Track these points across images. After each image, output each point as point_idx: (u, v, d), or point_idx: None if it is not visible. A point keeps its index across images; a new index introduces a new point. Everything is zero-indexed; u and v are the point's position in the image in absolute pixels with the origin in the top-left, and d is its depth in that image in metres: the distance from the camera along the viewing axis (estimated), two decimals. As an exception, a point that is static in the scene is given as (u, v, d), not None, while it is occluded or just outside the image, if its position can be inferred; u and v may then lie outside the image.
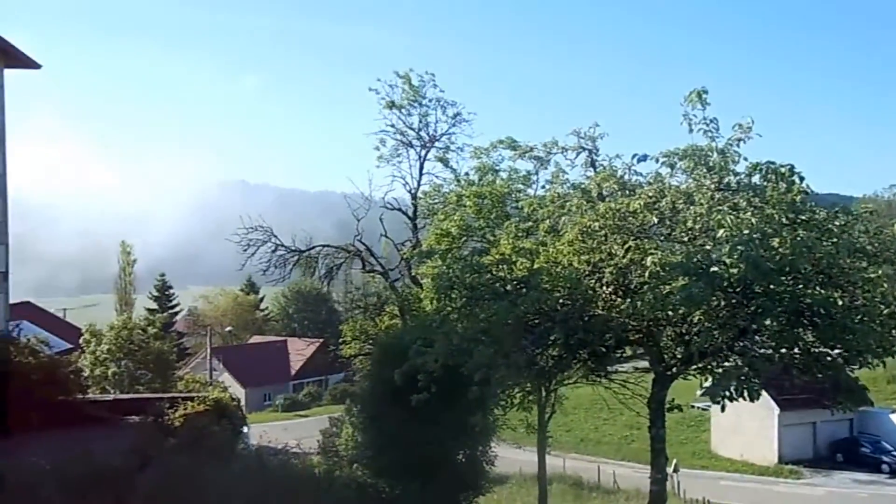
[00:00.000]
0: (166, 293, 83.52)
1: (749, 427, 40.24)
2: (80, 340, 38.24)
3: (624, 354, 13.93)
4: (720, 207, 10.46)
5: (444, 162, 29.28)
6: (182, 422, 14.46)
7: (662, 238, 11.94)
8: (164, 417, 14.59)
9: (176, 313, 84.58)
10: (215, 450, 13.82)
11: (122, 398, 19.96)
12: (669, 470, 20.46)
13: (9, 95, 14.63)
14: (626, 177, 12.60)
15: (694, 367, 12.64)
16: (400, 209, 29.95)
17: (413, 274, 27.71)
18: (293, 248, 28.65)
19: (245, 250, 28.01)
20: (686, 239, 11.46)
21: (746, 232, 9.86)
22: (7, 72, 14.65)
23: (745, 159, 11.02)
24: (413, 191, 29.46)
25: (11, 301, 15.58)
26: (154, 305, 79.05)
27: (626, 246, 11.83)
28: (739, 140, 10.77)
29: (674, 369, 12.59)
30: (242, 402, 27.39)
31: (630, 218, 11.81)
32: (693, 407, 40.32)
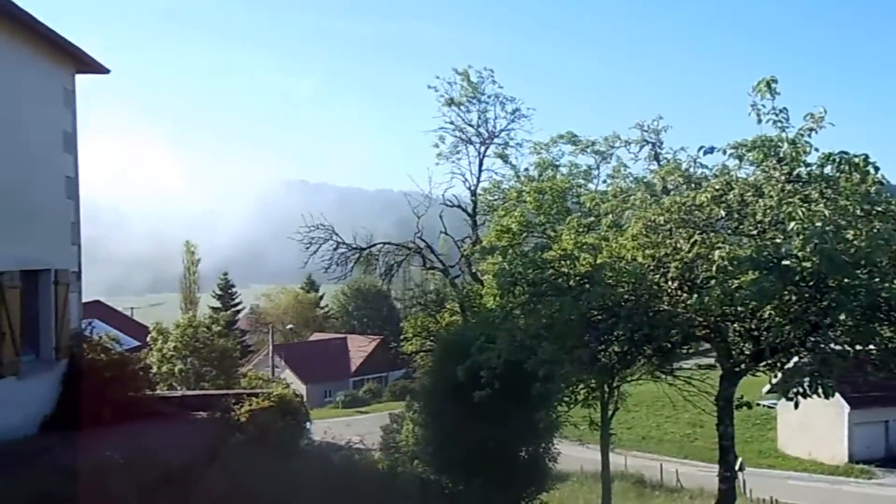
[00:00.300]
0: (229, 292, 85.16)
1: (818, 425, 39.21)
2: (148, 338, 39.21)
3: (690, 350, 13.68)
4: (791, 199, 10.18)
5: (504, 158, 29.26)
6: (247, 418, 14.60)
7: (730, 232, 11.67)
8: (230, 413, 14.76)
9: (238, 311, 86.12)
10: (280, 445, 13.99)
11: (190, 394, 20.29)
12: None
13: (79, 98, 15.03)
14: (692, 170, 12.36)
15: (763, 363, 12.35)
16: (459, 206, 29.99)
17: (473, 270, 27.74)
18: (354, 245, 28.92)
19: (307, 248, 28.38)
20: (755, 232, 11.18)
21: (819, 224, 9.58)
22: (77, 76, 15.04)
23: (817, 150, 10.71)
24: (472, 187, 29.51)
25: (83, 300, 15.97)
26: (217, 304, 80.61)
27: (692, 240, 11.61)
28: (811, 130, 10.45)
29: (742, 365, 12.30)
30: (304, 399, 27.66)
31: (696, 211, 11.58)
32: (759, 405, 39.46)
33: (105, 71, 15.38)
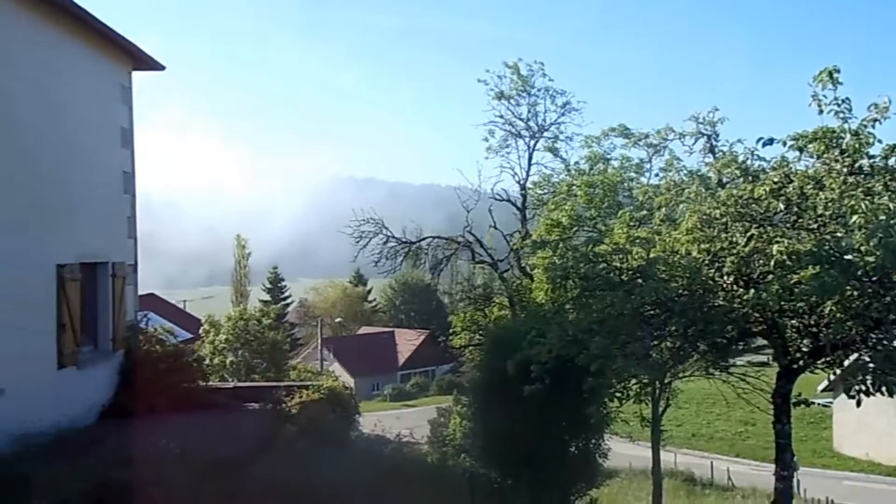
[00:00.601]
0: (278, 285, 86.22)
1: (876, 424, 38.10)
2: (200, 330, 39.88)
3: (745, 347, 13.42)
4: (853, 192, 9.89)
5: (554, 152, 29.05)
6: (298, 409, 14.75)
7: (788, 226, 11.40)
8: (281, 405, 14.92)
9: (288, 305, 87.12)
10: (331, 437, 14.11)
11: (242, 386, 20.61)
12: (791, 468, 19.61)
13: (134, 94, 15.29)
14: (749, 162, 12.09)
15: (822, 360, 12.06)
16: (509, 200, 29.87)
17: (522, 265, 27.63)
18: (403, 239, 29.00)
19: (357, 242, 28.55)
20: (815, 226, 10.90)
21: (883, 218, 9.29)
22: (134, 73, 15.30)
23: (880, 141, 10.39)
24: (522, 181, 29.36)
25: (139, 293, 16.27)
26: (267, 297, 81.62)
27: (749, 234, 11.37)
28: (875, 121, 10.13)
29: (800, 362, 12.03)
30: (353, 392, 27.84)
31: (753, 205, 11.32)
32: (814, 403, 38.60)
33: (160, 68, 15.64)
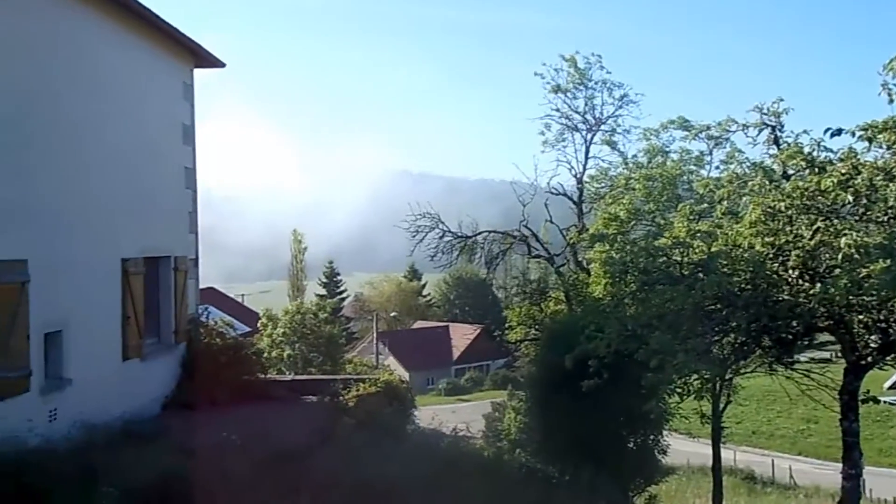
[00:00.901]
0: (334, 280, 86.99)
1: (945, 423, 37.10)
2: (258, 324, 40.46)
3: (811, 342, 13.11)
4: (926, 183, 9.60)
5: (612, 145, 28.66)
6: (355, 402, 14.83)
7: (856, 218, 11.09)
8: (338, 398, 15.02)
9: (343, 299, 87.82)
10: (388, 430, 14.15)
11: (300, 379, 20.80)
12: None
13: (196, 88, 15.56)
14: (815, 153, 11.77)
15: (892, 356, 11.71)
16: (565, 194, 29.61)
17: (579, 259, 27.40)
18: (459, 234, 28.97)
19: (413, 237, 28.62)
20: (884, 218, 10.59)
21: (958, 210, 9.00)
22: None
23: (956, 131, 10.04)
24: (578, 175, 29.06)
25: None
26: (323, 291, 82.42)
27: (815, 227, 11.10)
28: (951, 110, 9.81)
29: (868, 358, 11.69)
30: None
31: (820, 197, 11.03)
32: (882, 401, 37.59)
33: (221, 65, 15.90)
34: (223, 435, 10.84)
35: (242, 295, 66.20)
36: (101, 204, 11.77)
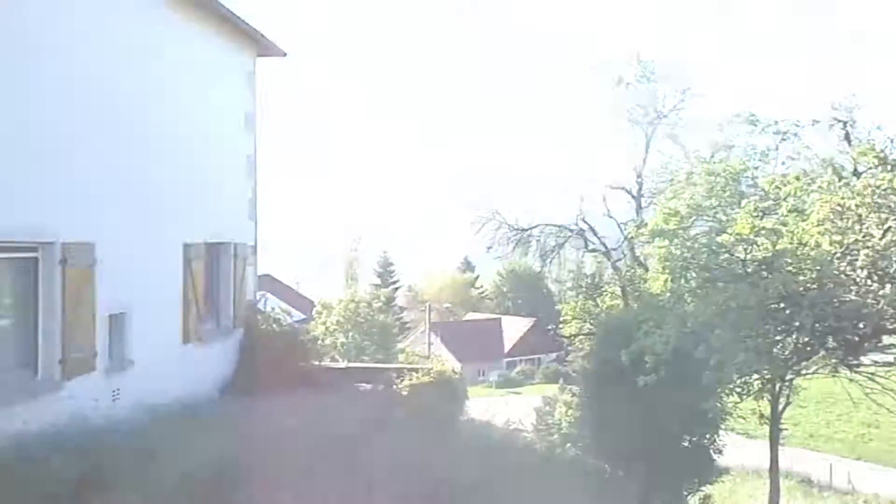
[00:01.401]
0: (388, 269, 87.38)
1: None
2: (313, 312, 40.93)
3: (878, 344, 12.75)
4: None
5: (674, 139, 28.24)
6: (409, 391, 14.86)
7: (930, 218, 10.74)
8: (392, 386, 15.07)
9: (397, 289, 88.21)
10: (441, 420, 14.17)
11: (354, 366, 20.90)
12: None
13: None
14: (888, 150, 11.42)
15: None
16: (623, 188, 29.28)
17: (637, 254, 27.06)
18: (516, 226, 28.86)
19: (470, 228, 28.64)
20: (960, 219, 10.23)
21: None
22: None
23: None
24: (638, 169, 28.70)
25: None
26: (377, 281, 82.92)
27: (886, 226, 10.78)
28: None
29: (940, 363, 11.34)
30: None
31: (892, 195, 10.72)
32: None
33: (283, 54, 16.03)
34: (281, 419, 10.94)
35: (297, 283, 66.96)
36: (165, 190, 11.96)
